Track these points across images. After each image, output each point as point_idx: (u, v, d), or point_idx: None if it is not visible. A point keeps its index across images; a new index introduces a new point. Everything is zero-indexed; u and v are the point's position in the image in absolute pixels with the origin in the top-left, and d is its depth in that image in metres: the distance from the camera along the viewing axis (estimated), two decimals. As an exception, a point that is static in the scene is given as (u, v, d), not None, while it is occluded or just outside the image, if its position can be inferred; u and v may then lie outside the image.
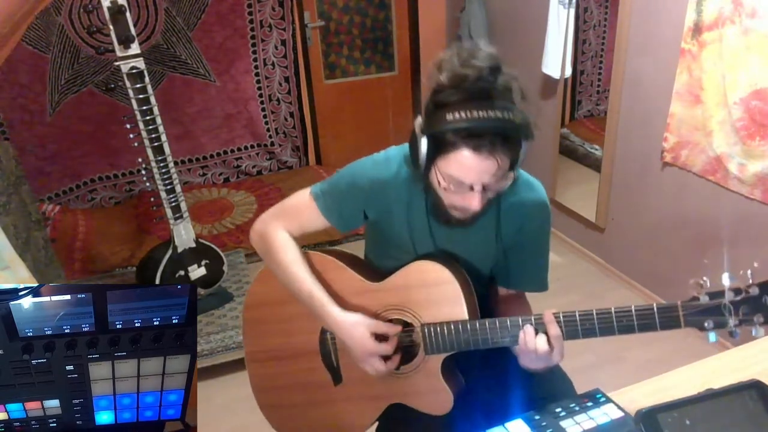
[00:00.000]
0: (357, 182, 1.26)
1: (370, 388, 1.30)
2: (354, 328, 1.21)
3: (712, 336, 1.00)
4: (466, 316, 1.18)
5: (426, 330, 1.20)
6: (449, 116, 1.02)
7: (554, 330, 1.09)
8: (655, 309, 1.03)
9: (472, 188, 1.09)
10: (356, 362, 1.24)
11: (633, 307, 1.04)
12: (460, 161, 1.05)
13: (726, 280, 0.97)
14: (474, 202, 1.10)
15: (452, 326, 1.18)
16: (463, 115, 1.01)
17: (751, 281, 0.98)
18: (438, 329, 1.19)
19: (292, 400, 1.41)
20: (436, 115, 1.04)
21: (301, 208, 1.32)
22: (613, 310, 1.06)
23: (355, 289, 1.29)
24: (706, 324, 1.00)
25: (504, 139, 1.03)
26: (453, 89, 1.03)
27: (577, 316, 1.09)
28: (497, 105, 1.02)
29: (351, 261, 1.36)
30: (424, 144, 1.07)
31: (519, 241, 1.29)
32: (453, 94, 1.03)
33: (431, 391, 1.24)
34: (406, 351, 1.27)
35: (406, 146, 1.25)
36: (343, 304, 1.26)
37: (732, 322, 0.98)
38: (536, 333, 1.11)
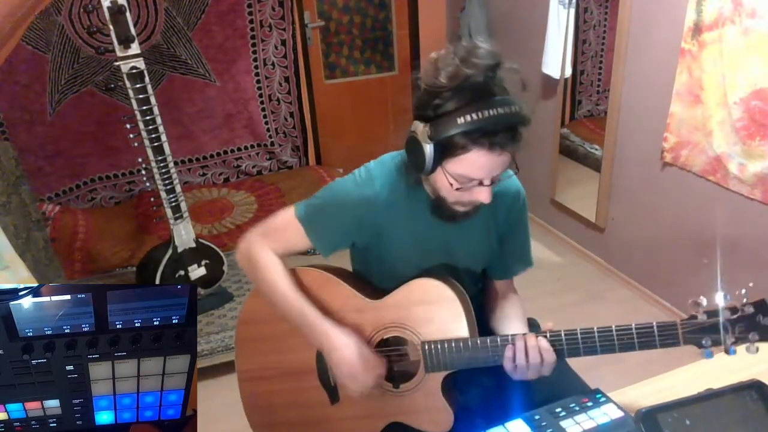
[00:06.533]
0: (344, 206, 1.23)
1: (368, 407, 1.27)
2: (346, 347, 1.19)
3: (708, 354, 1.04)
4: (467, 334, 1.17)
5: (426, 347, 1.18)
6: (459, 120, 1.01)
7: (548, 347, 1.12)
8: (655, 327, 1.06)
9: (481, 183, 1.09)
10: (339, 379, 1.23)
11: (633, 325, 1.08)
12: (473, 161, 1.05)
13: (722, 300, 1.02)
14: (485, 196, 1.11)
15: (453, 344, 1.17)
16: (474, 116, 1.00)
17: (746, 300, 1.02)
18: (439, 347, 1.17)
19: (287, 419, 1.37)
20: (443, 121, 1.03)
21: (287, 230, 1.28)
22: (614, 328, 1.09)
23: (354, 306, 1.26)
24: (703, 342, 1.03)
25: (514, 132, 1.04)
26: (454, 90, 1.02)
27: (579, 334, 1.11)
28: (503, 100, 1.03)
29: (349, 277, 1.34)
30: (430, 151, 1.06)
31: (506, 229, 1.32)
32: (456, 95, 1.02)
33: (431, 410, 1.22)
34: (405, 369, 1.26)
35: (384, 158, 1.25)
36: (342, 320, 1.24)
37: (729, 340, 1.02)
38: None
